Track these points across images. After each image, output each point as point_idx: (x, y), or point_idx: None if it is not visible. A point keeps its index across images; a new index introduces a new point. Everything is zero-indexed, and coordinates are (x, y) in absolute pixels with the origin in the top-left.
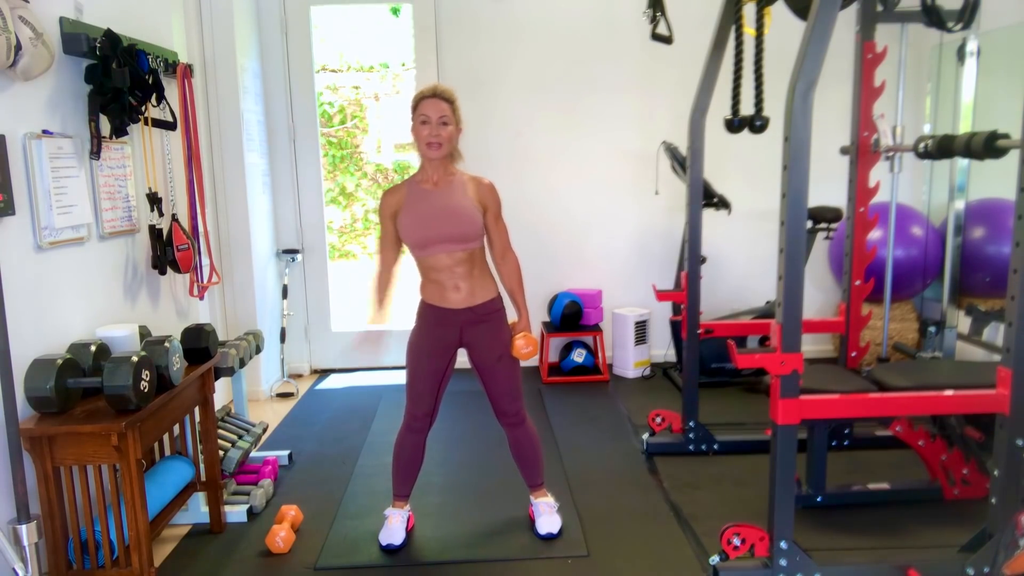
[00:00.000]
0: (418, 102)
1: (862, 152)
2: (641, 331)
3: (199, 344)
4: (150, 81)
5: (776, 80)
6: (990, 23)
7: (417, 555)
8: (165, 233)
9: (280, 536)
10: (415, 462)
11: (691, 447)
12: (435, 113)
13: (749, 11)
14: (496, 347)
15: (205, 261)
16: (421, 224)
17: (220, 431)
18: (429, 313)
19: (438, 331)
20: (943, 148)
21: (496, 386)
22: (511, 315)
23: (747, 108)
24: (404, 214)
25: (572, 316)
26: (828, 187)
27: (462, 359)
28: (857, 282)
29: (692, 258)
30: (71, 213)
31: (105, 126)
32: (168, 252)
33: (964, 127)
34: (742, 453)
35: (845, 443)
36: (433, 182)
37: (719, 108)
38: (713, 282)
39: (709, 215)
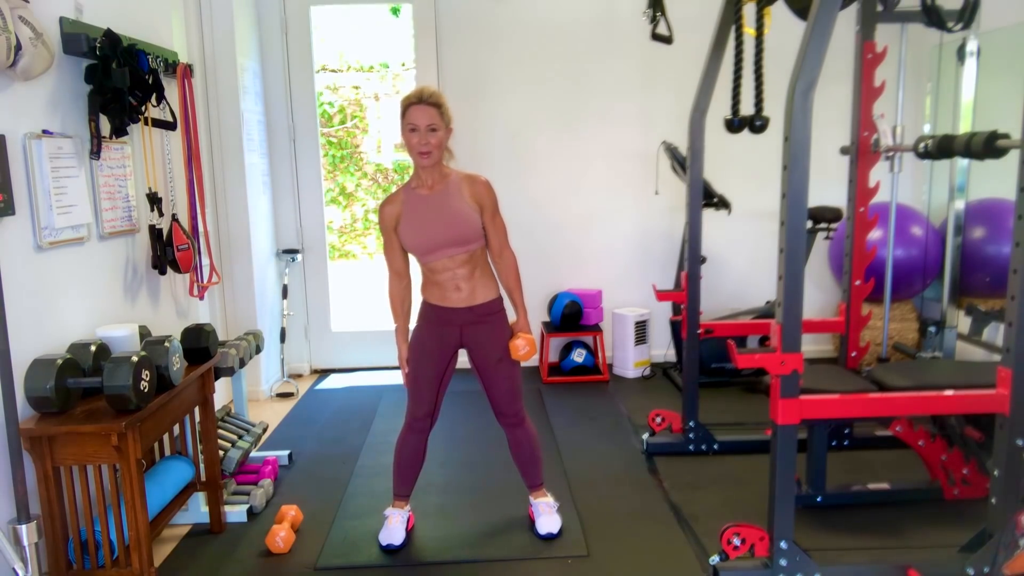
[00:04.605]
0: (405, 108)
1: (862, 152)
2: (641, 331)
3: (199, 344)
4: (150, 81)
5: (776, 80)
6: (990, 23)
7: (417, 555)
8: (165, 233)
9: (280, 536)
10: (416, 462)
11: (691, 447)
12: (423, 120)
13: (749, 11)
14: (496, 348)
15: (205, 261)
16: (421, 232)
17: (220, 431)
18: (430, 313)
19: (439, 331)
20: (943, 148)
21: (496, 387)
22: (511, 315)
23: (747, 108)
24: (404, 224)
25: (572, 316)
26: (828, 187)
27: (463, 360)
28: (857, 282)
29: (692, 258)
30: (71, 213)
31: (105, 126)
32: (168, 252)
33: (964, 127)
34: (742, 453)
35: (845, 443)
36: (428, 187)
37: (719, 108)
38: (713, 282)
39: (709, 215)
